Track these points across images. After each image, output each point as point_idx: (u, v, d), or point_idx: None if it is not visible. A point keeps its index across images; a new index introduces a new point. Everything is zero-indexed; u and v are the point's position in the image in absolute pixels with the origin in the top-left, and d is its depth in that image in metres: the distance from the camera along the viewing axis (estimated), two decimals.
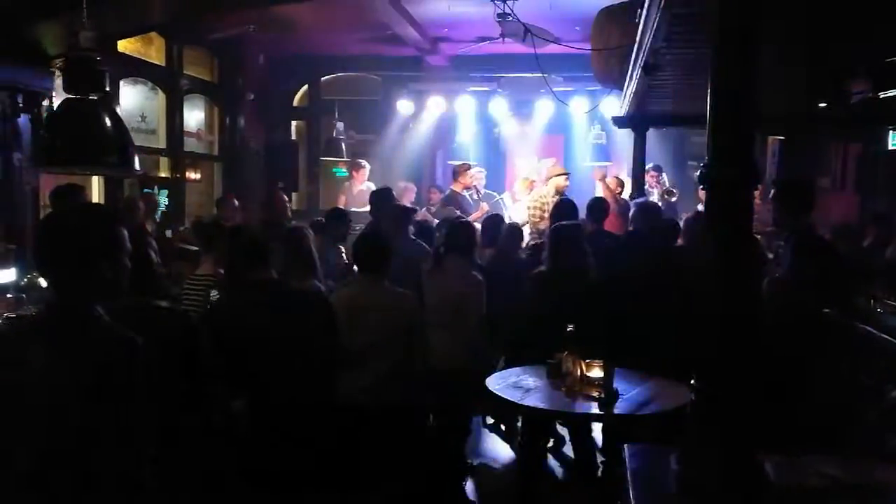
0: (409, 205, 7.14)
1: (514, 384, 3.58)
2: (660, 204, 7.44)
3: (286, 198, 6.42)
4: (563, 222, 4.47)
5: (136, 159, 4.02)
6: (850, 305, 3.81)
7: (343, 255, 5.20)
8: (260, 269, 3.02)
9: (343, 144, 9.37)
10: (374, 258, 3.55)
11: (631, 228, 4.77)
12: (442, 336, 3.88)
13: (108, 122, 3.81)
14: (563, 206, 5.39)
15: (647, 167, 7.19)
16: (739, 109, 1.96)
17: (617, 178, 7.85)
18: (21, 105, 5.23)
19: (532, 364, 3.76)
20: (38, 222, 2.56)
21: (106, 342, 1.72)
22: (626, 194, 7.43)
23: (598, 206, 5.59)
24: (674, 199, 7.61)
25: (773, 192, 3.67)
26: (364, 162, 8.81)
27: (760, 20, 1.94)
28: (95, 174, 5.48)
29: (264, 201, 6.49)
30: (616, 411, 3.23)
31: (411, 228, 5.16)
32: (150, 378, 1.74)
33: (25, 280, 4.56)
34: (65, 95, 3.92)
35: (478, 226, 5.32)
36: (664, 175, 8.54)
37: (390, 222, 5.06)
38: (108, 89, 3.97)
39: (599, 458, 4.27)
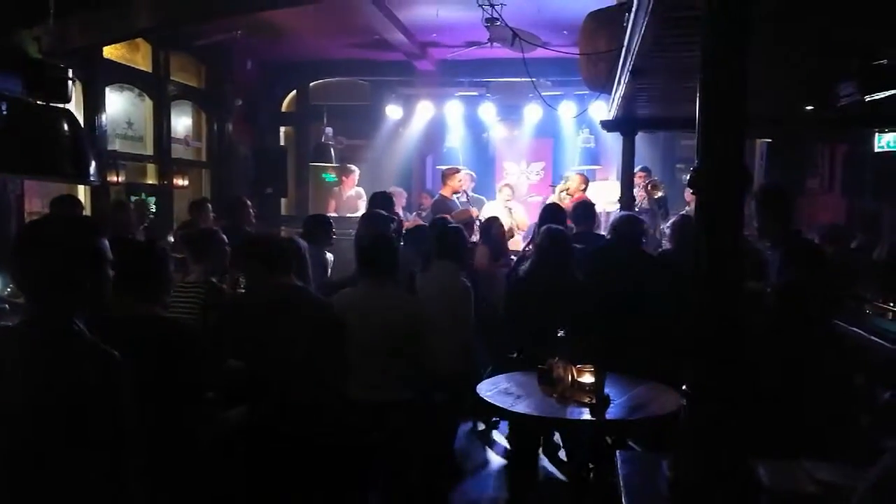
0: (399, 210, 7.12)
1: (504, 390, 3.55)
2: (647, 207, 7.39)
3: (250, 203, 6.29)
4: (553, 225, 4.46)
5: (94, 168, 3.85)
6: (840, 309, 3.81)
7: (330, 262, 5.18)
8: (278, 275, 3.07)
9: (332, 150, 9.34)
10: (381, 260, 3.54)
11: (608, 236, 4.78)
12: (432, 340, 3.85)
13: (65, 128, 3.67)
14: (552, 210, 5.39)
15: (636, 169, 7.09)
16: (729, 112, 1.95)
17: (581, 175, 7.58)
18: (4, 113, 5.15)
19: (522, 370, 3.74)
20: (17, 232, 2.51)
21: (85, 358, 1.68)
22: (611, 198, 7.37)
23: (584, 210, 5.61)
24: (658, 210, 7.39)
25: (757, 200, 3.67)
26: (353, 167, 8.79)
27: (750, 24, 1.94)
28: (48, 181, 5.27)
29: (229, 208, 6.23)
30: (608, 417, 3.22)
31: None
32: (133, 392, 1.70)
33: (8, 290, 4.50)
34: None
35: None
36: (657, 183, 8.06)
37: (376, 227, 5.03)
38: (69, 96, 3.84)
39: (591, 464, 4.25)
